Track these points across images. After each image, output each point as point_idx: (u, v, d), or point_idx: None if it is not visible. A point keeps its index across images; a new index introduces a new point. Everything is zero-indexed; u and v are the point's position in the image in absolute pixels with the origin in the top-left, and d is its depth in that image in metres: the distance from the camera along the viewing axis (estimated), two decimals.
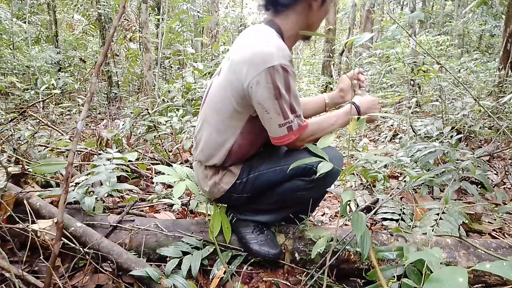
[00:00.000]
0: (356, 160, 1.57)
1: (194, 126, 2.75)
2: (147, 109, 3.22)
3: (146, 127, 3.18)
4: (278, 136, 1.16)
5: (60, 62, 8.64)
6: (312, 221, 1.59)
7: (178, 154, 2.85)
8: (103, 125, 5.25)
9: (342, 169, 1.19)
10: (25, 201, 1.41)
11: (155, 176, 2.23)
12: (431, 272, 0.93)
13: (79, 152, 2.33)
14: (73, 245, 1.24)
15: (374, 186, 2.19)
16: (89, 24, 9.24)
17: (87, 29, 9.36)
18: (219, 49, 5.10)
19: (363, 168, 2.18)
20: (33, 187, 1.60)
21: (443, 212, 1.53)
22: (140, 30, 7.43)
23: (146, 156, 2.76)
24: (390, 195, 1.68)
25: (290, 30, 1.22)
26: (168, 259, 1.25)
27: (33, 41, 8.46)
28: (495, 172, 2.52)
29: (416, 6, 9.67)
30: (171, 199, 1.70)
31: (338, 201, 2.21)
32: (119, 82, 9.06)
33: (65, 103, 6.03)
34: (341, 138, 3.87)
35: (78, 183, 1.54)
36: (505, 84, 3.93)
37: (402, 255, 1.14)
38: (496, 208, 1.77)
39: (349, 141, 1.27)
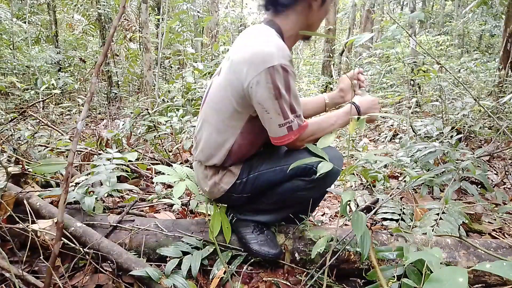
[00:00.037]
0: (356, 160, 1.57)
1: (194, 126, 2.75)
2: (147, 109, 3.22)
3: (146, 127, 3.18)
4: (278, 136, 1.16)
5: (60, 62, 8.64)
6: (312, 221, 1.59)
7: (178, 154, 2.85)
8: (103, 125, 5.25)
9: (342, 169, 1.19)
10: (25, 201, 1.41)
11: (155, 176, 2.23)
12: (431, 272, 0.93)
13: (79, 152, 2.33)
14: (73, 245, 1.24)
15: (374, 186, 2.19)
16: (89, 24, 9.24)
17: (87, 29, 9.36)
18: (219, 49, 5.10)
19: (363, 168, 2.18)
20: (33, 187, 1.60)
21: (443, 212, 1.53)
22: (140, 30, 7.43)
23: (146, 156, 2.76)
24: (390, 195, 1.68)
25: (290, 30, 1.22)
26: (168, 259, 1.25)
27: (33, 41, 8.46)
28: (495, 172, 2.52)
29: (416, 6, 9.67)
30: (171, 199, 1.70)
31: (338, 201, 2.21)
32: (119, 82, 9.06)
33: (65, 103, 6.03)
34: (341, 138, 3.87)
35: (78, 183, 1.54)
36: (505, 84, 3.93)
37: (402, 255, 1.14)
38: (496, 208, 1.77)
39: (349, 141, 1.27)
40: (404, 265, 1.07)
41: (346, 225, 1.74)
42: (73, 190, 1.47)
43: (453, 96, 3.82)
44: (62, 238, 1.21)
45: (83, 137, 3.92)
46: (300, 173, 1.21)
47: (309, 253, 1.28)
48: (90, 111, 6.29)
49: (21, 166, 1.61)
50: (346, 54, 9.85)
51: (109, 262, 1.21)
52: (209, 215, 1.36)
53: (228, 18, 11.22)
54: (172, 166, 1.42)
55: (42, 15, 9.18)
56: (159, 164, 2.47)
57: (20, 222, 1.26)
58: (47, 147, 2.45)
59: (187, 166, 2.19)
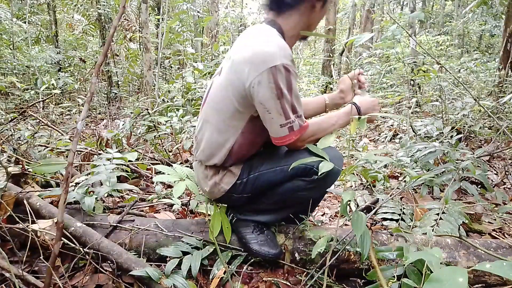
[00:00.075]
0: (356, 160, 1.57)
1: (194, 126, 2.75)
2: (147, 109, 3.23)
3: (146, 127, 3.18)
4: (279, 136, 1.16)
5: (60, 62, 8.65)
6: (312, 221, 1.59)
7: (178, 154, 2.85)
8: (103, 125, 5.25)
9: (342, 169, 1.19)
10: (25, 201, 1.41)
11: (155, 176, 2.23)
12: (431, 272, 0.93)
13: (79, 152, 2.33)
14: (73, 245, 1.24)
15: (374, 186, 2.19)
16: (89, 24, 9.24)
17: (87, 29, 9.36)
18: (219, 49, 5.11)
19: (363, 168, 2.18)
20: (33, 187, 1.60)
21: (443, 212, 1.53)
22: (140, 30, 7.43)
23: (146, 156, 2.76)
24: (390, 195, 1.68)
25: (291, 30, 1.22)
26: (168, 259, 1.24)
27: (33, 41, 8.46)
28: (495, 172, 2.52)
29: (416, 6, 9.67)
30: (171, 199, 1.70)
31: (338, 201, 2.21)
32: (119, 82, 9.06)
33: (65, 103, 6.03)
34: (341, 138, 3.87)
35: (78, 183, 1.54)
36: (505, 84, 3.93)
37: (402, 255, 1.14)
38: (496, 208, 1.77)
39: (349, 141, 1.27)
40: (404, 265, 1.07)
41: (346, 225, 1.74)
42: (73, 190, 1.47)
43: (453, 96, 3.82)
44: (62, 238, 1.21)
45: (83, 137, 3.92)
46: (301, 173, 1.21)
47: (309, 253, 1.28)
48: (90, 111, 6.29)
49: (21, 166, 1.61)
50: (346, 54, 9.85)
51: (109, 262, 1.21)
52: (209, 215, 1.36)
53: (228, 18, 11.22)
54: (172, 166, 1.42)
55: (42, 15, 9.18)
56: (159, 164, 2.47)
57: (20, 222, 1.26)
58: (47, 147, 2.45)
59: (187, 166, 2.19)
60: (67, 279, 1.17)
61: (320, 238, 1.21)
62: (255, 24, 1.62)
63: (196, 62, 4.57)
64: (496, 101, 3.30)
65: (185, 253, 1.27)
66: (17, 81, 4.90)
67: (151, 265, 1.20)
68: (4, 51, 6.78)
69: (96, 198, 1.45)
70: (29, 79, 6.78)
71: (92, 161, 2.15)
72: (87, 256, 1.20)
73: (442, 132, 2.45)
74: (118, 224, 1.39)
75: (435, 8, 12.38)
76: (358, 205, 1.95)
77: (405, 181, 2.17)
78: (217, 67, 1.51)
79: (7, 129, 2.53)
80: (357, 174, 2.37)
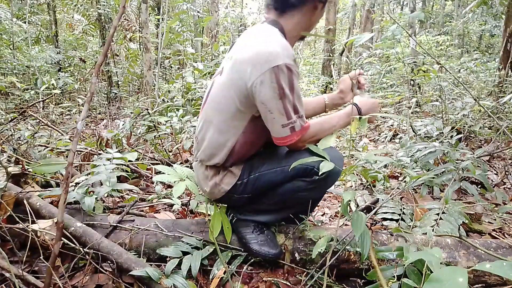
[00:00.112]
0: (356, 160, 1.57)
1: (194, 126, 2.75)
2: (147, 109, 3.23)
3: (146, 127, 3.18)
4: (281, 136, 1.16)
5: (60, 62, 8.65)
6: (312, 221, 1.59)
7: (178, 154, 2.85)
8: (103, 125, 5.25)
9: (343, 170, 1.19)
10: (25, 201, 1.41)
11: (155, 176, 2.23)
12: (431, 272, 0.93)
13: (79, 152, 2.33)
14: (73, 245, 1.24)
15: (374, 186, 2.19)
16: (89, 24, 9.24)
17: (87, 29, 9.36)
18: (219, 49, 5.11)
19: (363, 168, 2.18)
20: (33, 187, 1.60)
21: (443, 212, 1.53)
22: (140, 30, 7.43)
23: (146, 156, 2.76)
24: (390, 195, 1.68)
25: (292, 30, 1.22)
26: (168, 259, 1.25)
27: (33, 41, 8.46)
28: (495, 172, 2.52)
29: (416, 6, 9.67)
30: (171, 199, 1.70)
31: (338, 201, 2.21)
32: (119, 82, 9.06)
33: (65, 103, 6.03)
34: (341, 138, 3.87)
35: (78, 183, 1.54)
36: (505, 84, 3.93)
37: (402, 255, 1.14)
38: (496, 208, 1.77)
39: (349, 141, 1.27)
40: (404, 265, 1.07)
41: (346, 225, 1.74)
42: (73, 190, 1.47)
43: (453, 96, 3.82)
44: (62, 238, 1.21)
45: (83, 137, 3.92)
46: (301, 173, 1.21)
47: (309, 253, 1.28)
48: (90, 111, 6.29)
49: (21, 166, 1.61)
50: (346, 54, 9.85)
51: (109, 262, 1.21)
52: (209, 215, 1.36)
53: (228, 18, 11.23)
54: (172, 166, 1.42)
55: (42, 15, 9.18)
56: (159, 164, 2.47)
57: (20, 222, 1.26)
58: (47, 147, 2.45)
59: (187, 166, 2.19)
60: (67, 279, 1.17)
61: (320, 238, 1.21)
62: (255, 24, 1.62)
63: (196, 62, 4.57)
64: (496, 101, 3.30)
65: (185, 253, 1.27)
66: (17, 81, 4.90)
67: (151, 265, 1.20)
68: (4, 51, 6.78)
69: (96, 198, 1.45)
70: (29, 79, 6.78)
71: (92, 161, 2.15)
72: (87, 256, 1.20)
73: (442, 132, 2.45)
74: (118, 224, 1.39)
75: (435, 8, 12.39)
76: (358, 205, 1.95)
77: (405, 181, 2.17)
78: (217, 67, 1.51)
79: (7, 129, 2.53)
80: (357, 174, 2.37)
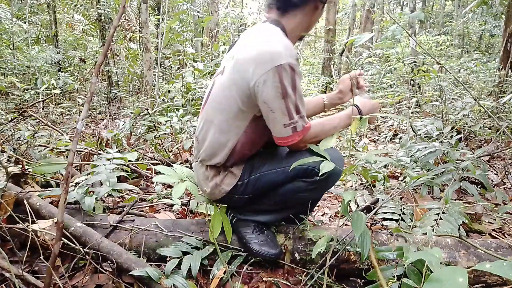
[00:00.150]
0: (356, 160, 1.57)
1: (194, 126, 2.75)
2: (147, 109, 3.23)
3: (146, 127, 3.18)
4: (282, 136, 1.16)
5: (60, 62, 8.65)
6: (312, 221, 1.59)
7: (178, 154, 2.85)
8: (103, 125, 5.25)
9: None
10: (25, 201, 1.41)
11: (155, 176, 2.23)
12: (431, 272, 0.93)
13: (79, 152, 2.33)
14: (73, 245, 1.24)
15: (374, 186, 2.19)
16: (89, 24, 9.24)
17: (87, 29, 9.36)
18: (219, 49, 5.11)
19: (363, 168, 2.18)
20: (33, 187, 1.60)
21: (443, 212, 1.53)
22: (140, 30, 7.43)
23: (146, 156, 2.76)
24: (390, 195, 1.68)
25: (293, 30, 1.22)
26: (168, 259, 1.25)
27: (33, 41, 8.46)
28: (495, 172, 2.52)
29: (416, 6, 9.67)
30: (171, 199, 1.70)
31: (338, 201, 2.21)
32: (119, 82, 9.06)
33: (65, 103, 6.03)
34: (341, 138, 3.87)
35: (78, 183, 1.54)
36: (505, 84, 3.93)
37: (402, 255, 1.14)
38: (496, 208, 1.77)
39: (349, 141, 1.27)
40: (404, 265, 1.07)
41: (346, 225, 1.74)
42: (73, 190, 1.47)
43: (453, 96, 3.82)
44: (62, 238, 1.21)
45: (83, 137, 3.92)
46: (302, 174, 1.21)
47: (309, 253, 1.28)
48: (90, 111, 6.29)
49: (21, 166, 1.61)
50: (346, 54, 9.85)
51: (109, 262, 1.21)
52: (209, 215, 1.36)
53: (228, 18, 11.23)
54: (172, 166, 1.42)
55: (42, 15, 9.18)
56: (159, 164, 2.47)
57: (20, 222, 1.26)
58: (47, 147, 2.45)
59: (187, 166, 2.19)
60: (67, 279, 1.17)
61: (320, 238, 1.21)
62: (255, 24, 1.62)
63: (196, 62, 4.57)
64: (496, 101, 3.30)
65: (185, 253, 1.27)
66: (17, 81, 4.90)
67: (151, 265, 1.20)
68: (4, 51, 6.78)
69: (96, 198, 1.45)
70: (29, 79, 6.78)
71: (92, 161, 2.15)
72: (87, 256, 1.20)
73: (442, 132, 2.45)
74: (118, 224, 1.39)
75: (435, 8, 12.39)
76: (358, 205, 1.95)
77: (405, 181, 2.16)
78: (217, 67, 1.51)
79: (7, 129, 2.53)
80: (357, 174, 2.37)
